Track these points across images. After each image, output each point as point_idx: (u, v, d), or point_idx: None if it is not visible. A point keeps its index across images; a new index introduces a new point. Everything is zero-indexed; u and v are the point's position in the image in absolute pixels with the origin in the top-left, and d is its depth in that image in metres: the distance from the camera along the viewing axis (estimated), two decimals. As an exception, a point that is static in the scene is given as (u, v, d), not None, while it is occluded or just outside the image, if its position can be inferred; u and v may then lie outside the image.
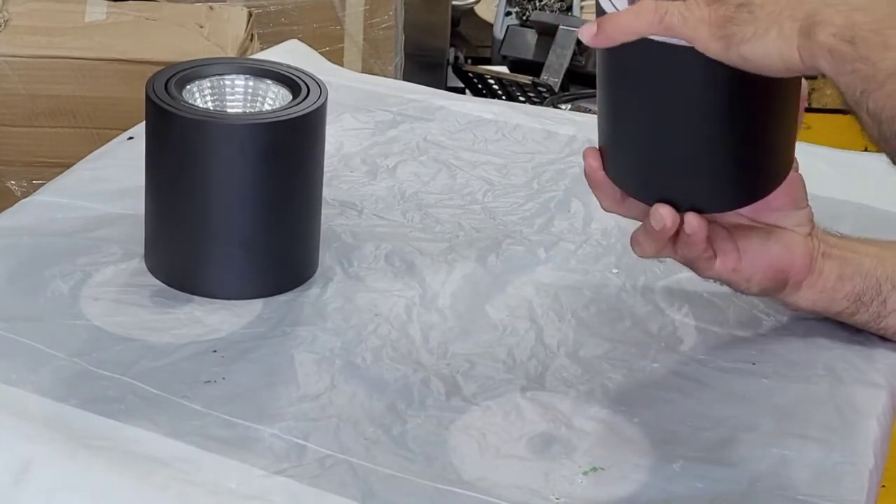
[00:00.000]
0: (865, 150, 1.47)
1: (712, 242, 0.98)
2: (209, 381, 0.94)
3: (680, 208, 0.95)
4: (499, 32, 2.77)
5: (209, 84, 1.07)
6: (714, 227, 0.99)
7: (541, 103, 2.50)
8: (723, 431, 0.93)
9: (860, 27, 0.84)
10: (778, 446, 0.92)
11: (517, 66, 2.71)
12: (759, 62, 0.87)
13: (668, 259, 1.02)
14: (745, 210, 1.00)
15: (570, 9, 2.80)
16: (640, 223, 0.98)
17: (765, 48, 0.87)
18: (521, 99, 2.60)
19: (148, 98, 1.03)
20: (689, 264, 1.00)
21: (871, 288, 1.02)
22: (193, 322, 1.01)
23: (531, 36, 2.70)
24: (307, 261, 1.08)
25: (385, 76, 2.26)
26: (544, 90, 2.56)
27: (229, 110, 1.07)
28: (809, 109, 1.08)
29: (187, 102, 1.03)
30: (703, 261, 0.99)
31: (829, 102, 2.58)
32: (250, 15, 2.05)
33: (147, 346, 0.97)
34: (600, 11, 0.93)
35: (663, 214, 0.95)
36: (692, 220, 0.96)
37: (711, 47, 0.88)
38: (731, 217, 1.00)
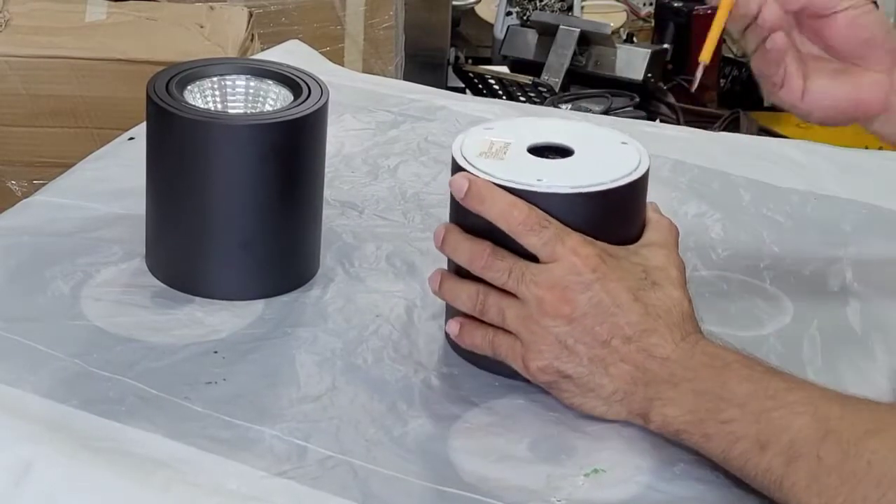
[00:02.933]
0: (866, 147, 1.47)
1: (785, 69, 1.02)
2: (210, 382, 0.94)
3: None
4: (499, 32, 2.77)
5: (210, 84, 1.07)
6: (792, 56, 1.03)
7: (541, 103, 2.50)
8: (724, 432, 0.93)
9: (676, 422, 0.88)
10: (779, 447, 0.91)
11: (517, 66, 2.71)
12: None
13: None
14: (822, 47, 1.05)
15: (570, 9, 2.80)
16: None
17: (590, 408, 0.92)
18: (522, 99, 2.60)
19: (149, 98, 1.03)
20: (760, 80, 1.05)
21: None
22: (194, 323, 1.01)
23: (531, 36, 2.70)
24: (308, 261, 1.07)
25: (385, 76, 2.26)
26: (544, 90, 2.56)
27: (230, 111, 1.07)
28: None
29: (188, 103, 1.03)
30: (770, 85, 1.04)
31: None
32: (251, 15, 2.05)
33: (148, 347, 0.97)
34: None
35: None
36: (777, 37, 1.01)
37: None
38: (812, 49, 1.04)
